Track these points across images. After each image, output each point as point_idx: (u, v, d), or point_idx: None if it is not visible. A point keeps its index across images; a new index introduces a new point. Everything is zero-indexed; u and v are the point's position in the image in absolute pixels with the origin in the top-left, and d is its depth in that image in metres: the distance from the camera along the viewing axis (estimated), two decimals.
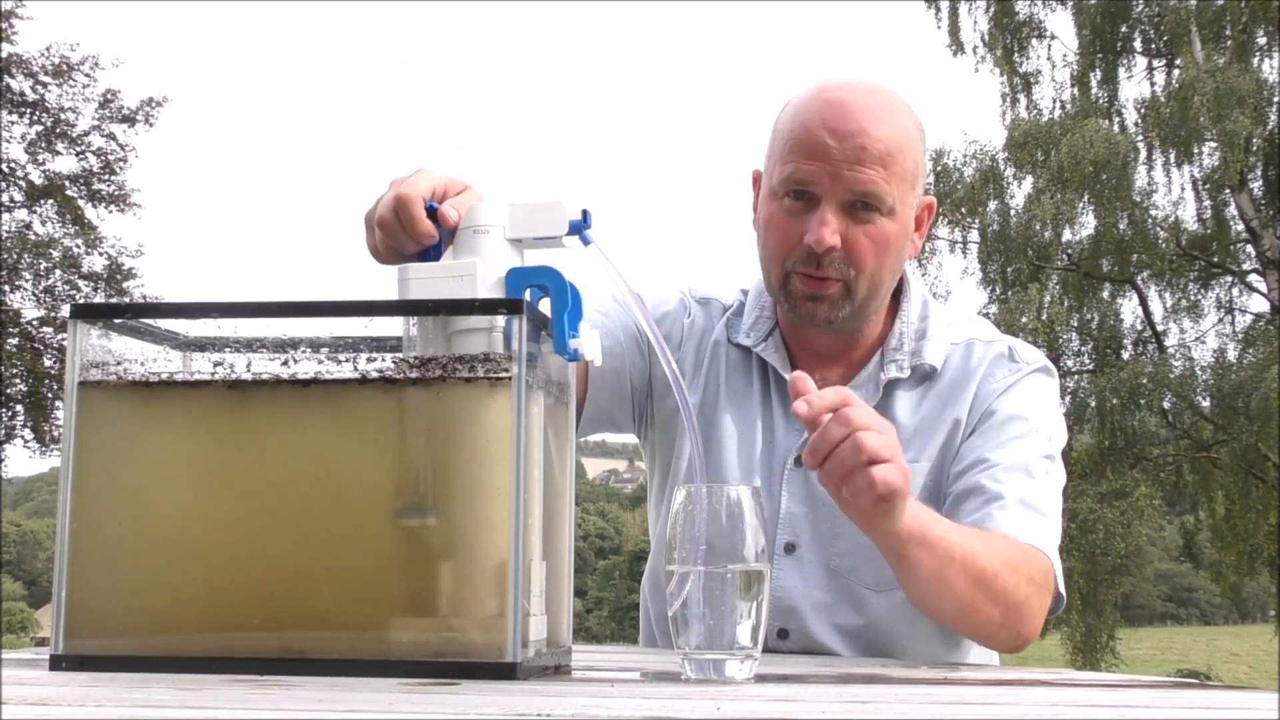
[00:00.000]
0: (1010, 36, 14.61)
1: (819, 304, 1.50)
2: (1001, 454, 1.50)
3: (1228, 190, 13.50)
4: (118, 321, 1.06)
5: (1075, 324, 14.36)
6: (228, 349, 1.03)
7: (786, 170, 1.48)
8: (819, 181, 1.45)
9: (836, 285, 1.49)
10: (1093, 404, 13.57)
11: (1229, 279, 14.25)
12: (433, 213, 1.16)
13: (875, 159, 1.45)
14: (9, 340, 15.04)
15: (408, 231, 1.16)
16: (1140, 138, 13.95)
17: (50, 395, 15.25)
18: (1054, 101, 14.63)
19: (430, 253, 1.16)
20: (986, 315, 13.27)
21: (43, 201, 15.70)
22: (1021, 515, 1.44)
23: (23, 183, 15.67)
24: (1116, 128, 13.98)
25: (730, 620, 1.02)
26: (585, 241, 1.10)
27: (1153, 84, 14.24)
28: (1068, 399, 13.82)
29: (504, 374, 0.98)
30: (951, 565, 1.21)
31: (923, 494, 1.53)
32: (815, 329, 1.54)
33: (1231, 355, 13.94)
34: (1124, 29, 14.25)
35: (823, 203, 1.46)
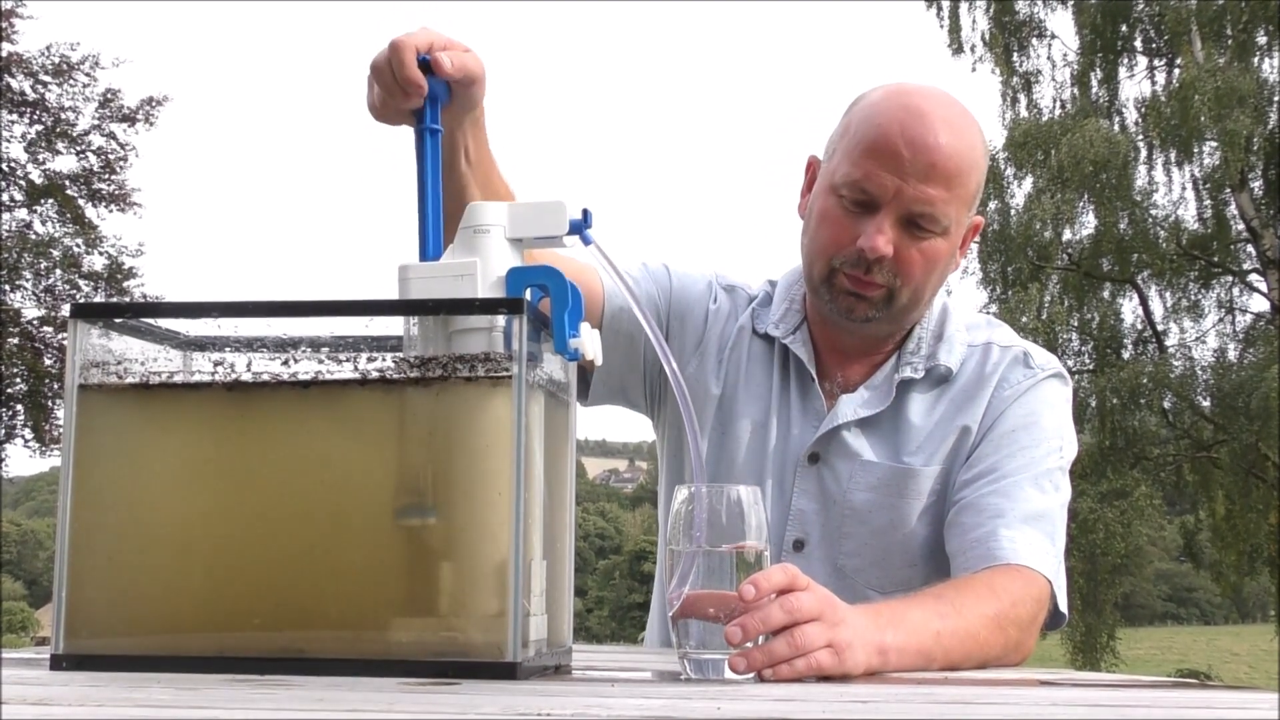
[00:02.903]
0: (1010, 36, 14.62)
1: (860, 302, 1.50)
2: (1011, 464, 1.50)
3: (1228, 190, 13.50)
4: (118, 321, 1.06)
5: (1075, 324, 14.36)
6: (228, 349, 1.03)
7: (855, 173, 1.46)
8: (884, 192, 1.44)
9: (881, 290, 1.49)
10: (1093, 404, 13.57)
11: (1229, 279, 14.26)
12: (426, 66, 1.17)
13: (942, 178, 1.43)
14: (9, 340, 15.04)
15: (397, 78, 1.18)
16: (1140, 137, 13.95)
17: (50, 395, 15.24)
18: (1054, 101, 14.65)
19: (426, 114, 1.17)
20: (986, 314, 13.26)
21: (43, 201, 15.69)
22: (1025, 534, 1.43)
23: (23, 182, 15.67)
24: (1116, 127, 13.98)
25: (730, 620, 1.01)
26: (586, 241, 1.10)
27: (1153, 83, 14.25)
28: None
29: (504, 374, 0.98)
30: (933, 663, 1.20)
31: (931, 496, 1.53)
32: (850, 324, 1.53)
33: (1232, 355, 13.94)
34: (1124, 28, 14.25)
35: (882, 211, 1.45)
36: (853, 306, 1.51)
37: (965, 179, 1.46)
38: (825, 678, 1.02)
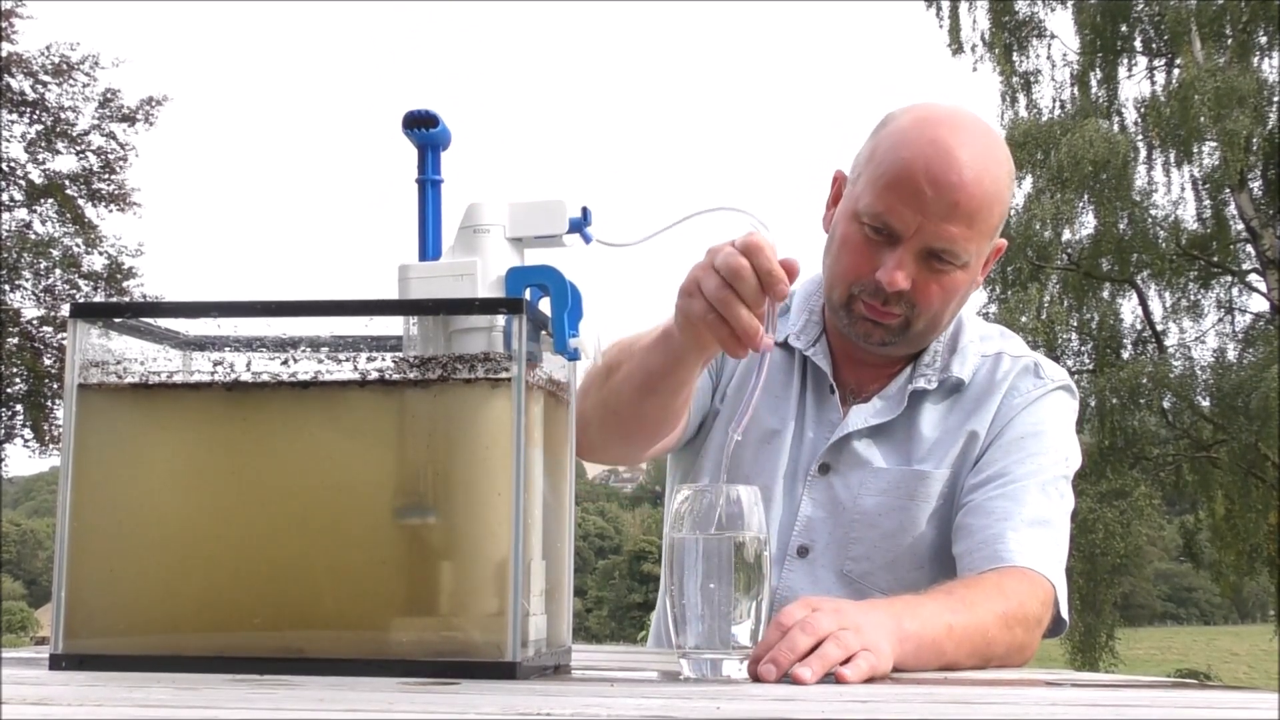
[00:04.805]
0: (1010, 36, 14.61)
1: (877, 328, 1.51)
2: (1020, 470, 1.51)
3: (1228, 190, 13.50)
4: (118, 321, 1.06)
5: (1075, 324, 14.37)
6: (228, 348, 1.03)
7: (877, 205, 1.45)
8: (905, 227, 1.44)
9: (898, 319, 1.49)
10: (1093, 404, 13.57)
11: (1229, 279, 14.26)
12: (425, 121, 1.08)
13: (964, 216, 1.43)
14: (9, 340, 15.04)
15: (762, 275, 1.12)
16: (1140, 137, 13.95)
17: (50, 395, 15.25)
18: (1054, 101, 14.65)
19: (429, 164, 1.10)
20: (986, 315, 13.28)
21: (43, 201, 15.70)
22: (1031, 537, 1.44)
23: (23, 182, 15.67)
24: (1116, 127, 13.98)
25: (728, 620, 1.02)
26: (586, 239, 1.10)
27: (1153, 83, 14.25)
28: None
29: (504, 373, 0.98)
30: (943, 659, 1.22)
31: (939, 500, 1.54)
32: (867, 346, 1.55)
33: (1231, 355, 13.95)
34: (1124, 28, 14.25)
35: (902, 246, 1.44)
36: (870, 332, 1.51)
37: (988, 214, 1.45)
38: (823, 678, 1.02)
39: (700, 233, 1.20)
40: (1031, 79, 14.64)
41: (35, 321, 15.44)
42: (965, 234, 1.44)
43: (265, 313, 1.02)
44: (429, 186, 1.10)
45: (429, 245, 1.10)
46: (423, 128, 1.08)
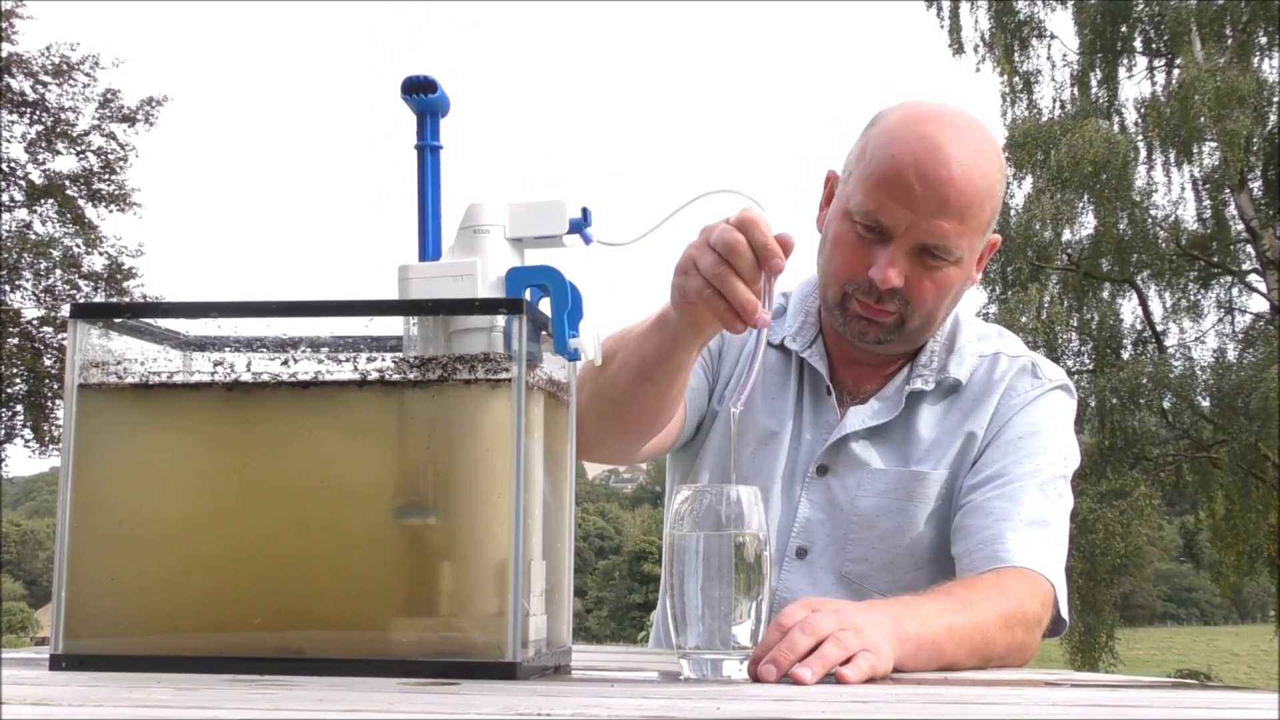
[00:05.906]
0: (1011, 36, 14.62)
1: (872, 326, 1.51)
2: (1018, 470, 1.51)
3: (1228, 190, 13.50)
4: (118, 321, 1.06)
5: (1075, 324, 14.37)
6: (228, 349, 1.03)
7: (867, 204, 1.45)
8: (896, 224, 1.44)
9: (892, 316, 1.50)
10: (1093, 404, 13.57)
11: (1229, 279, 14.26)
12: (424, 86, 1.08)
13: (955, 212, 1.43)
14: (9, 340, 15.05)
15: (758, 249, 1.14)
16: (1140, 137, 13.95)
17: (50, 395, 15.25)
18: (1054, 101, 14.65)
19: (427, 131, 1.10)
20: (986, 315, 13.28)
21: (43, 201, 15.70)
22: (1030, 538, 1.44)
23: (23, 182, 15.67)
24: (1116, 127, 13.98)
25: (728, 620, 1.02)
26: (586, 240, 1.10)
27: (1153, 84, 14.25)
28: None
29: (504, 374, 0.98)
30: (943, 660, 1.22)
31: (937, 500, 1.54)
32: (863, 345, 1.55)
33: (1231, 355, 13.95)
34: (1124, 29, 14.25)
35: (894, 243, 1.45)
36: (865, 330, 1.52)
37: (979, 209, 1.45)
38: (823, 678, 1.02)
39: (698, 222, 1.21)
40: (1032, 79, 14.64)
41: (35, 322, 15.45)
42: (957, 229, 1.44)
43: (265, 313, 1.02)
44: (428, 152, 1.10)
45: (428, 216, 1.10)
46: (421, 93, 1.08)
